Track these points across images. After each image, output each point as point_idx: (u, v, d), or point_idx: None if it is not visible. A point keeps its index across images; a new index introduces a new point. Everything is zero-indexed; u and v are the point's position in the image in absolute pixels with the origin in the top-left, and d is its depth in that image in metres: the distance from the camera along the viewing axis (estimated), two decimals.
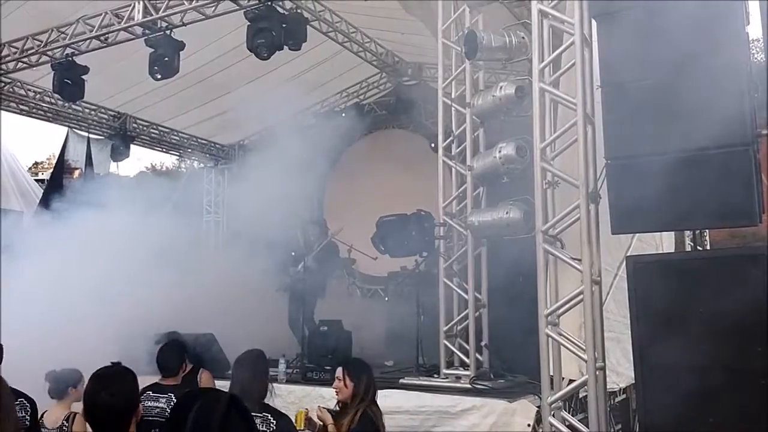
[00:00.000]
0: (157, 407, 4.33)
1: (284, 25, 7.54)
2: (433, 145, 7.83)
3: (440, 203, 6.39)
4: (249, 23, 7.47)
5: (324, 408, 4.13)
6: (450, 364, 6.09)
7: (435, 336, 6.22)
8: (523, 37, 5.70)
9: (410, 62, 10.76)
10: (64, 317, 5.61)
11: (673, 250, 7.35)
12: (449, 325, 6.11)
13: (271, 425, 3.58)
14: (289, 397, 5.70)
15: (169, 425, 2.10)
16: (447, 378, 5.97)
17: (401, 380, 6.05)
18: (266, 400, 3.87)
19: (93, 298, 5.99)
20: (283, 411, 5.42)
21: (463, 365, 5.98)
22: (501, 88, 5.64)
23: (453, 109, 6.47)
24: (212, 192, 13.51)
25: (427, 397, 5.48)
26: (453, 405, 5.29)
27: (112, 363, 2.79)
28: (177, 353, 4.74)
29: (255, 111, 11.84)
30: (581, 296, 4.37)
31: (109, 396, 2.56)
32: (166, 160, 23.41)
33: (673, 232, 7.26)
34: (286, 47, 7.68)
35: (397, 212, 7.43)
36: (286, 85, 10.85)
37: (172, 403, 4.25)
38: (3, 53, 9.04)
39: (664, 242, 7.08)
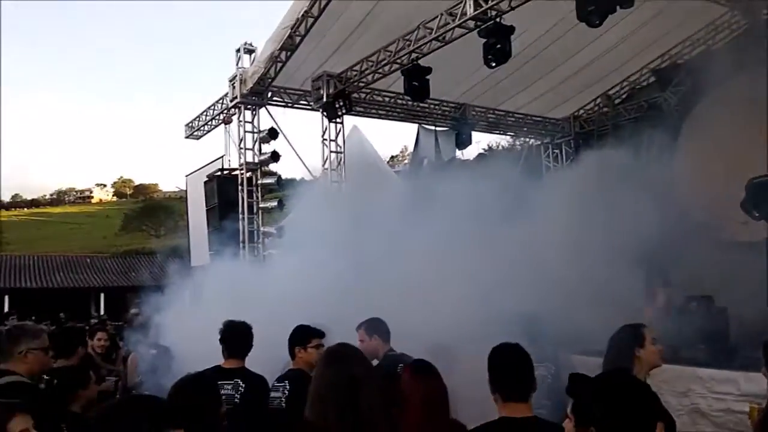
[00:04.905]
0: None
1: None
2: None
3: None
4: None
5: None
6: None
7: None
8: None
9: None
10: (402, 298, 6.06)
11: None
12: None
13: None
14: (661, 376, 5.44)
15: None
16: None
17: None
18: None
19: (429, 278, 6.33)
20: (657, 391, 5.17)
21: None
22: None
23: None
24: (551, 167, 13.63)
25: None
26: None
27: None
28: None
29: (588, 80, 11.57)
30: None
31: None
32: (502, 139, 24.31)
33: None
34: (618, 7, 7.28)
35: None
36: (619, 47, 10.32)
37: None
38: (362, 68, 10.49)
39: None
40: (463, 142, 12.37)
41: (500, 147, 25.13)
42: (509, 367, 2.74)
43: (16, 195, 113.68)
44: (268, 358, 4.36)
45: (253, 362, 4.10)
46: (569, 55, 10.55)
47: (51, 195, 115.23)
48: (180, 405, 2.50)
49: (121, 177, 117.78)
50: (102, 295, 26.59)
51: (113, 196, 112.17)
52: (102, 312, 23.41)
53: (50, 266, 29.61)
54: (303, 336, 4.04)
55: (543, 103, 12.51)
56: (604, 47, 10.29)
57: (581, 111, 13.03)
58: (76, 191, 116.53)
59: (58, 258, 32.10)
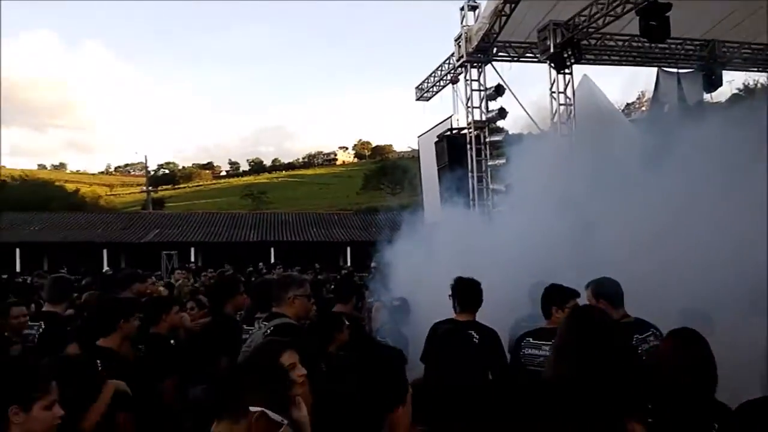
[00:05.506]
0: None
1: None
2: None
3: None
4: None
5: None
6: None
7: None
8: None
9: None
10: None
11: None
12: None
13: None
14: None
15: None
16: None
17: None
18: None
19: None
20: None
21: None
22: None
23: None
24: None
25: None
26: None
27: None
28: None
29: None
30: None
31: None
32: (761, 76, 21.12)
33: None
34: None
35: None
36: None
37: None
38: (592, 12, 9.90)
39: None
40: (712, 83, 11.14)
41: (759, 86, 21.86)
42: None
43: (276, 159, 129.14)
44: (496, 312, 4.47)
45: (480, 316, 4.24)
46: None
47: (303, 159, 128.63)
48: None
49: (360, 140, 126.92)
50: (348, 249, 29.10)
51: (354, 157, 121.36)
52: (349, 264, 25.73)
53: (305, 222, 33.22)
54: (562, 296, 3.99)
55: None
56: None
57: None
58: (323, 154, 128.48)
59: (311, 215, 35.95)
